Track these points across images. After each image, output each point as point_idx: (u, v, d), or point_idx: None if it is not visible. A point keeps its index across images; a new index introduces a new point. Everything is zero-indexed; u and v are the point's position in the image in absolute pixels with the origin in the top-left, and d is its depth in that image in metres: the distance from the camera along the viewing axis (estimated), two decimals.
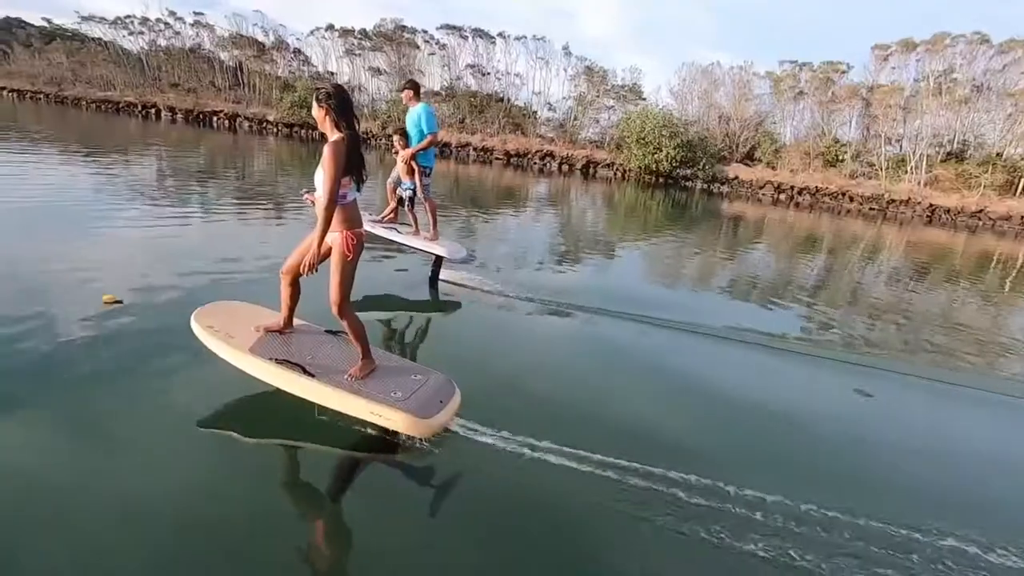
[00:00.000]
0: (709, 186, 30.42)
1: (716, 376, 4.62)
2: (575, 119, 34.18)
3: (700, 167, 29.80)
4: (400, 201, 5.91)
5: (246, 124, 36.09)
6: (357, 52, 35.48)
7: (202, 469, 2.57)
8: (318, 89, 2.64)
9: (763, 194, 29.88)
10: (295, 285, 2.97)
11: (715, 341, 5.46)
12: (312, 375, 2.72)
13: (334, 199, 2.58)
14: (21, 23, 56.84)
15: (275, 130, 35.25)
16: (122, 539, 2.15)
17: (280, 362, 2.76)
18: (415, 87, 5.63)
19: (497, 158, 32.79)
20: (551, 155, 32.59)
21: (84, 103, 39.01)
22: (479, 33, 33.54)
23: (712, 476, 2.90)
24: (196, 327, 2.96)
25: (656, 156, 29.24)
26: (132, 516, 2.25)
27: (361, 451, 2.85)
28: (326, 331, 3.20)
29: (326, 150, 2.54)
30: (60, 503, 2.27)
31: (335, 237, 2.71)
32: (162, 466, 2.55)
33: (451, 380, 2.96)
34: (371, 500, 2.57)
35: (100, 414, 2.88)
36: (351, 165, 2.61)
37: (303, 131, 35.07)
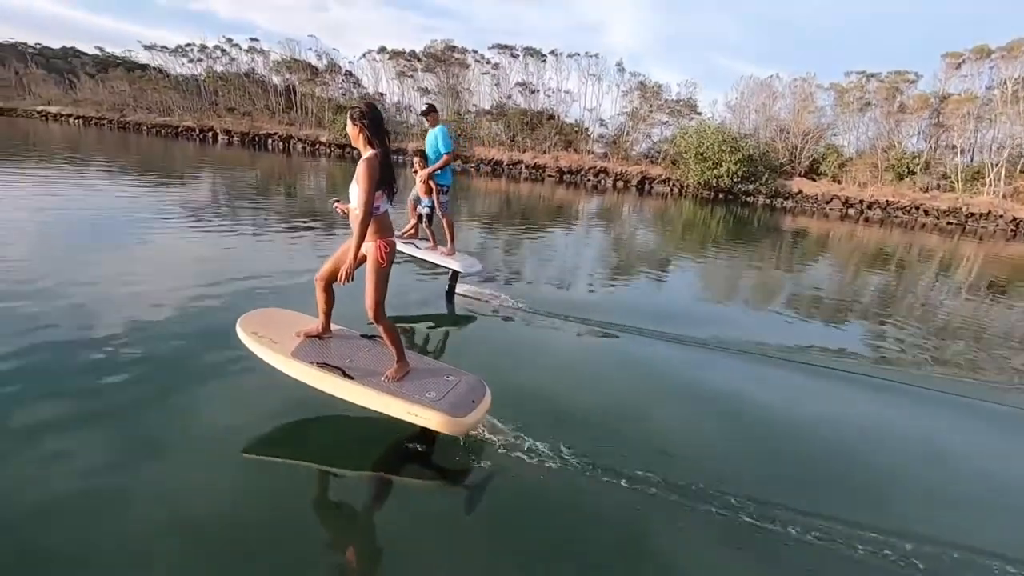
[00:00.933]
0: (772, 201, 29.44)
1: (765, 398, 4.36)
2: (627, 135, 33.69)
3: (763, 182, 28.90)
4: (420, 218, 6.11)
5: (299, 146, 36.75)
6: (409, 74, 35.83)
7: (240, 481, 2.63)
8: (352, 108, 2.80)
9: (830, 209, 28.77)
10: (329, 291, 3.11)
11: (765, 361, 5.18)
12: (351, 377, 2.84)
13: (369, 211, 2.72)
14: (76, 52, 60.26)
15: (328, 151, 35.80)
16: (168, 548, 2.20)
17: (321, 365, 2.88)
18: (433, 110, 6.02)
19: (550, 175, 32.51)
20: (604, 171, 32.14)
21: (145, 128, 40.46)
22: (530, 52, 33.53)
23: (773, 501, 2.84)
24: (241, 333, 3.10)
25: (716, 171, 28.49)
26: (178, 526, 2.30)
27: (396, 467, 2.92)
28: (362, 336, 3.32)
29: (361, 166, 2.69)
30: (109, 510, 2.35)
31: (369, 246, 2.84)
32: (203, 477, 2.63)
33: (482, 381, 3.05)
34: (407, 516, 2.59)
35: (150, 426, 2.97)
36: (384, 179, 2.74)
37: (355, 152, 35.40)
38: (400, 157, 36.09)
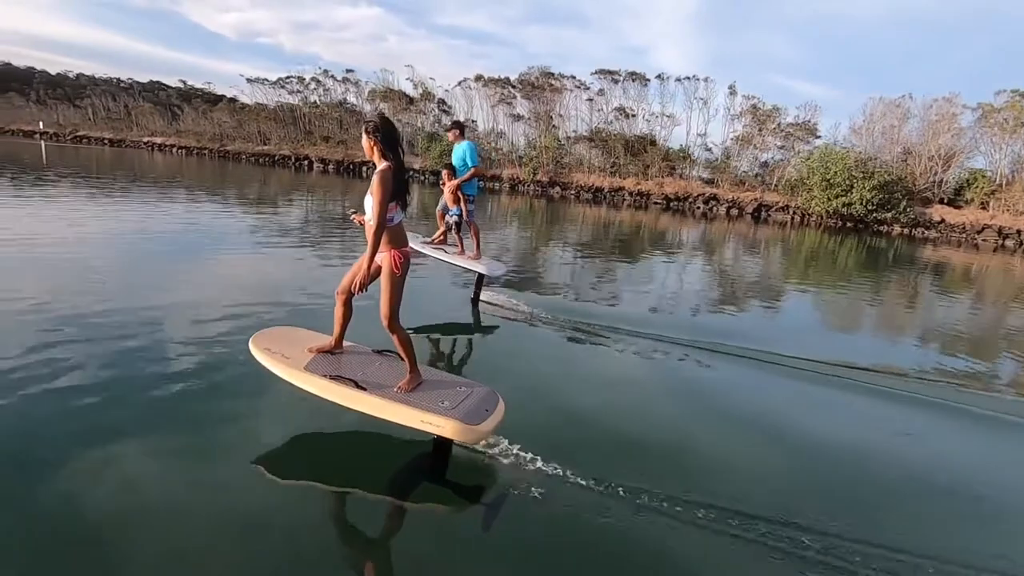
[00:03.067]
0: (911, 231, 26.86)
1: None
2: (736, 160, 31.94)
3: (900, 210, 26.41)
4: (449, 226, 6.46)
5: None
6: (508, 100, 35.52)
7: (258, 497, 2.63)
8: (367, 122, 2.84)
9: (983, 240, 25.94)
10: (348, 305, 3.13)
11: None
12: (364, 389, 2.84)
13: (383, 222, 2.76)
14: (162, 85, 64.52)
15: (421, 178, 35.75)
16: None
17: (334, 378, 2.90)
18: (460, 127, 6.56)
19: (655, 202, 31.09)
20: (715, 198, 30.42)
21: (243, 156, 41.89)
22: (634, 76, 32.55)
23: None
24: (254, 349, 3.13)
25: (846, 199, 26.27)
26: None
27: (409, 484, 2.90)
28: (374, 351, 3.33)
29: (375, 178, 2.74)
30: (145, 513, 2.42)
31: (383, 256, 2.87)
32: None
33: (495, 392, 3.03)
34: (417, 535, 2.57)
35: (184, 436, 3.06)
36: (397, 191, 2.77)
37: (430, 175, 35.32)
38: (497, 184, 35.80)
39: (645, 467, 3.16)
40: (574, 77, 34.58)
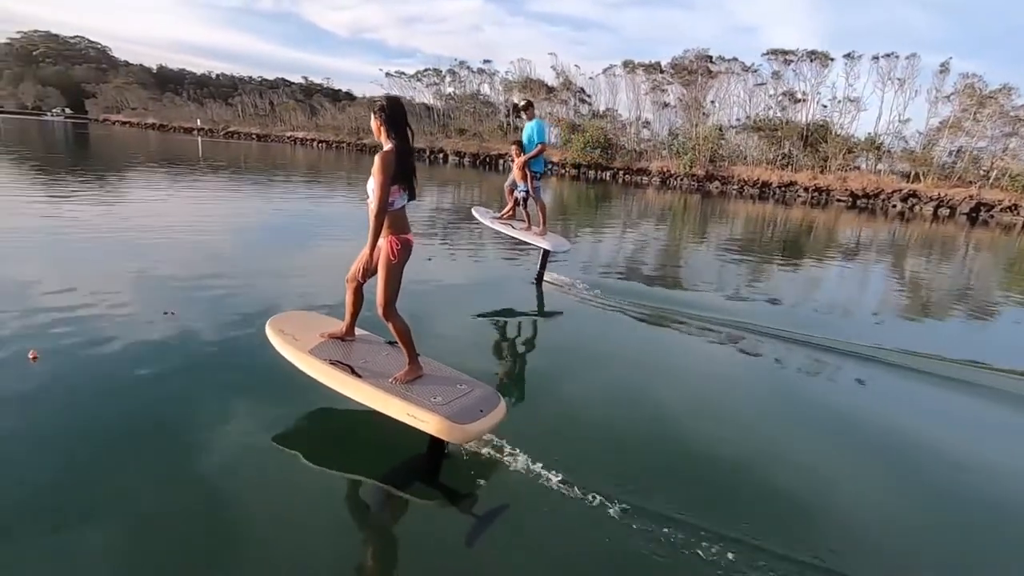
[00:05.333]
0: None
1: None
2: (940, 150, 27.28)
3: None
4: (517, 202, 6.70)
5: None
6: (663, 88, 33.05)
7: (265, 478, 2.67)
8: (374, 101, 2.81)
9: None
10: (358, 292, 3.09)
11: None
12: (359, 376, 2.81)
13: (383, 206, 2.68)
14: (286, 82, 68.84)
15: (562, 171, 34.33)
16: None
17: (333, 363, 2.89)
18: (531, 105, 6.77)
19: (838, 199, 27.36)
20: (915, 195, 26.16)
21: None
22: (813, 56, 28.78)
23: None
24: (269, 331, 3.19)
25: None
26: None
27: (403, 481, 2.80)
28: (387, 342, 3.27)
29: (376, 159, 2.65)
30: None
31: (382, 242, 2.78)
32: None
33: (498, 394, 2.92)
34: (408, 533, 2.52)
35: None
36: (400, 174, 2.68)
37: (592, 172, 33.59)
38: (645, 178, 33.59)
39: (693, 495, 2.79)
40: (736, 59, 31.36)
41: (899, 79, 27.69)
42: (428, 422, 2.54)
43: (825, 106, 30.10)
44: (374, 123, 2.72)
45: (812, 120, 30.19)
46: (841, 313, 7.25)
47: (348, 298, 3.09)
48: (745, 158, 30.78)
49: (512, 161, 6.65)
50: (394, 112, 2.67)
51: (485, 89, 42.25)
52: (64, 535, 2.20)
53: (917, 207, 25.93)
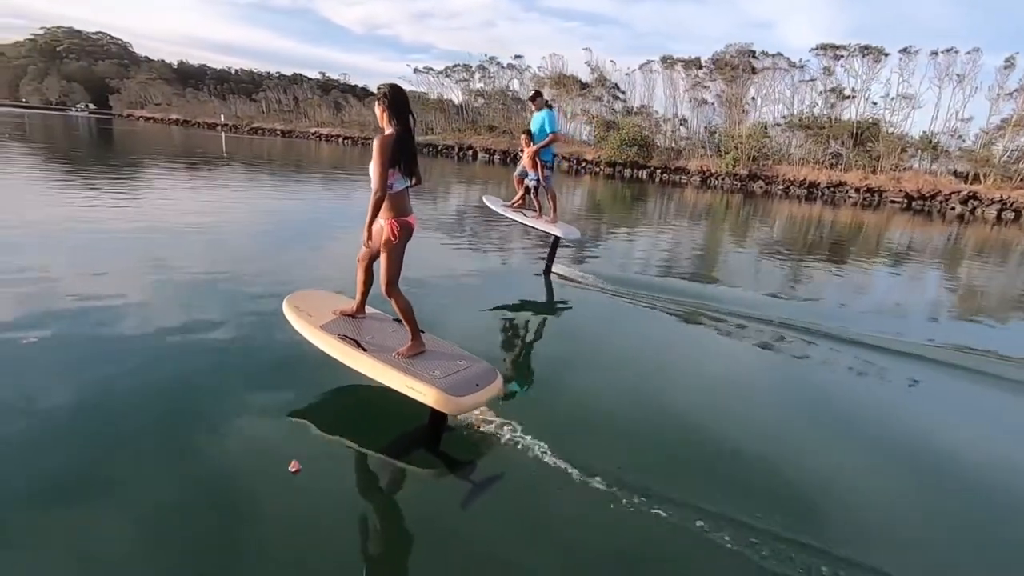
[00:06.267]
0: None
1: None
2: (1005, 149, 26.03)
3: None
4: (527, 190, 6.77)
5: (564, 163, 34.91)
6: (705, 84, 32.04)
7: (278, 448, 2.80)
8: (378, 88, 2.84)
9: None
10: (368, 271, 3.23)
11: None
12: (365, 350, 2.96)
13: (381, 188, 2.76)
14: (304, 78, 68.67)
15: (596, 170, 33.46)
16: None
17: (342, 337, 3.05)
18: (540, 96, 6.65)
19: (892, 201, 26.24)
20: (975, 196, 24.96)
21: None
22: (866, 51, 27.61)
23: None
24: (285, 307, 3.38)
25: None
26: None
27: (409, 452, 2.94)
28: (394, 319, 3.39)
29: (375, 143, 2.77)
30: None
31: (382, 224, 2.88)
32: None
33: (495, 370, 3.04)
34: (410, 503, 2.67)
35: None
36: (399, 157, 2.77)
37: (628, 170, 32.66)
38: (683, 177, 32.61)
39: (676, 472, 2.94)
40: (780, 54, 30.25)
41: (958, 75, 26.43)
42: (425, 394, 2.67)
43: (875, 103, 28.93)
44: (378, 109, 2.82)
45: (862, 118, 29.02)
46: (895, 313, 7.11)
47: (359, 276, 3.24)
48: (790, 157, 29.68)
49: (522, 151, 6.73)
50: (396, 99, 2.77)
51: (515, 85, 41.40)
52: (89, 512, 2.28)
53: (979, 210, 24.75)
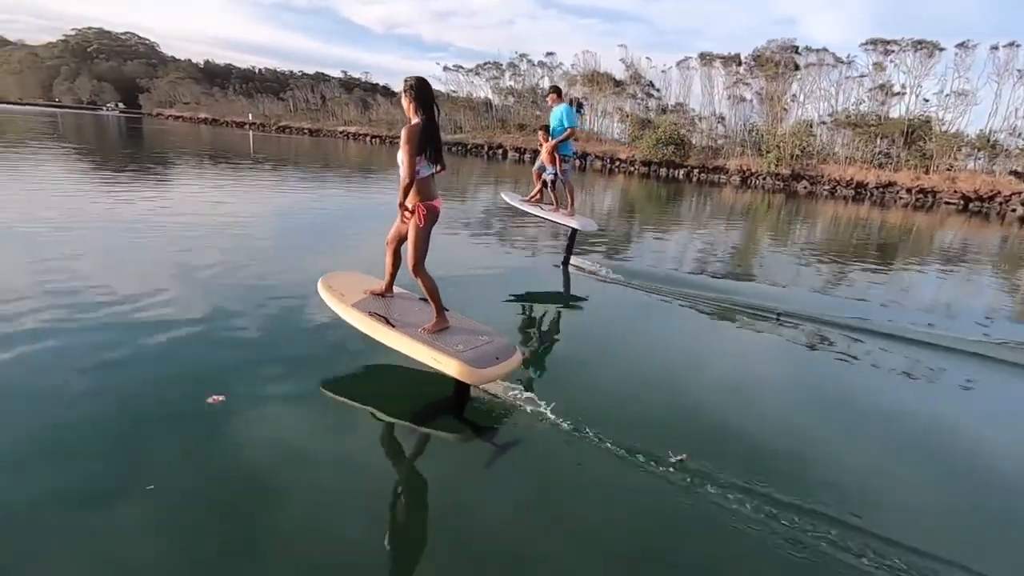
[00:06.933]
0: None
1: None
2: None
3: None
4: (545, 184, 6.90)
5: (597, 162, 34.31)
6: (747, 82, 31.19)
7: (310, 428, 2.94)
8: (405, 81, 3.01)
9: None
10: (397, 254, 3.42)
11: None
12: (393, 326, 3.15)
13: (410, 174, 2.94)
14: (325, 76, 68.79)
15: (630, 169, 32.76)
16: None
17: (372, 315, 3.24)
18: (558, 91, 6.78)
19: (947, 202, 25.16)
20: None
21: None
22: (919, 45, 26.55)
23: None
24: (320, 287, 3.57)
25: None
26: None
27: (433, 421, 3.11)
28: (420, 298, 3.53)
29: (403, 132, 2.96)
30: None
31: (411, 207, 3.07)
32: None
33: (515, 345, 3.22)
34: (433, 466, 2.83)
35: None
36: (425, 145, 2.94)
37: (663, 169, 31.92)
38: (722, 176, 31.82)
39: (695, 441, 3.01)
40: (826, 49, 29.26)
41: (1019, 71, 25.24)
42: (449, 365, 2.85)
43: (927, 100, 27.80)
44: (404, 100, 2.98)
45: (913, 115, 27.93)
46: (947, 314, 6.88)
47: (388, 259, 3.44)
48: (835, 156, 28.69)
49: (540, 146, 6.89)
50: (422, 91, 2.94)
51: (545, 83, 40.80)
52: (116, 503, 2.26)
53: None
